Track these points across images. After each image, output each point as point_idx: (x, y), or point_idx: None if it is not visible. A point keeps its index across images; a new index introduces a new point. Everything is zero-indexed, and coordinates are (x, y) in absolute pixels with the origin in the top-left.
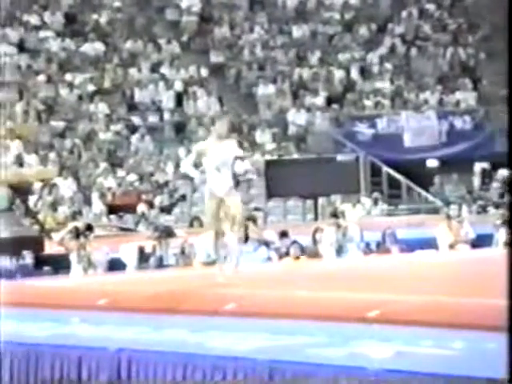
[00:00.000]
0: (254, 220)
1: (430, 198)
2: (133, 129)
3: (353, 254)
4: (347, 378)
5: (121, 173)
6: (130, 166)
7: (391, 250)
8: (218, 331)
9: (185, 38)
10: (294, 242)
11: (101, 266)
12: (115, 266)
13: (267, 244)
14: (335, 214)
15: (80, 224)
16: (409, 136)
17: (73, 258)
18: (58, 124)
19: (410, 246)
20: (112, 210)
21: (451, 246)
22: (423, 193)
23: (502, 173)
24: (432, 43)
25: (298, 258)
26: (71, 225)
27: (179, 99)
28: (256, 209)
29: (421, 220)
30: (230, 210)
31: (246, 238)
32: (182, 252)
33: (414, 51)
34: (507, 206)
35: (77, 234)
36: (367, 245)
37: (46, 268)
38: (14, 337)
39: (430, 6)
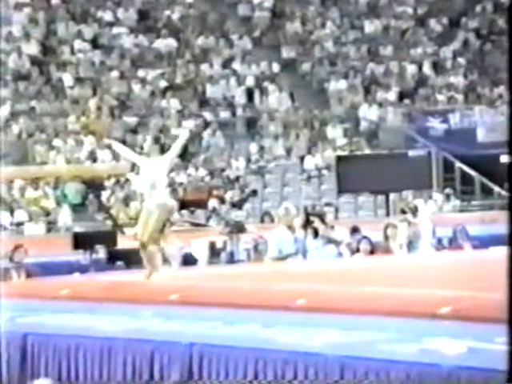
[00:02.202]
0: (320, 217)
1: (504, 193)
2: (204, 124)
3: (425, 250)
4: (419, 374)
5: (192, 168)
6: (202, 161)
7: (463, 246)
8: (289, 326)
9: (257, 34)
10: (364, 237)
11: (174, 261)
12: (187, 260)
13: (335, 241)
14: (405, 210)
15: None
16: (482, 131)
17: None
18: (131, 120)
19: (484, 242)
20: (183, 205)
21: None
22: (497, 188)
23: None
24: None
25: (370, 253)
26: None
27: (250, 95)
28: (327, 204)
29: (494, 216)
30: (152, 221)
31: (316, 234)
32: (255, 247)
33: (488, 45)
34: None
35: None
36: (439, 241)
37: (119, 263)
38: (88, 331)
39: (505, 0)
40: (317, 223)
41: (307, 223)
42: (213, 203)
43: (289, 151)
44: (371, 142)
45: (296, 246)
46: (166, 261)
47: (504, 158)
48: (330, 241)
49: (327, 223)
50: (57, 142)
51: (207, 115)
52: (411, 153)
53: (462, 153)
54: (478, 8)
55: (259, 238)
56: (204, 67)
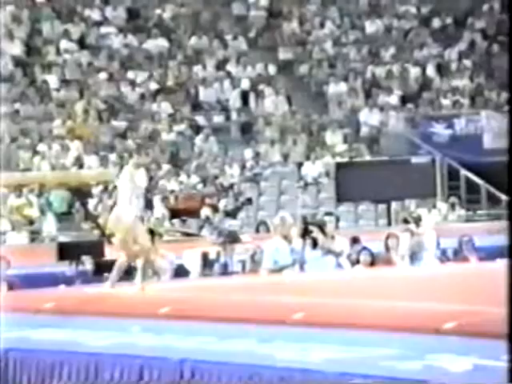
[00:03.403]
0: (320, 226)
1: None
2: (197, 129)
3: (428, 262)
4: None
5: (184, 175)
6: (194, 168)
7: (469, 258)
8: (285, 342)
9: (252, 34)
10: (364, 248)
11: (164, 274)
12: (178, 272)
13: (335, 253)
14: (408, 220)
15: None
16: (489, 137)
17: (138, 264)
18: (120, 124)
19: (490, 254)
20: (175, 214)
21: None
22: (504, 197)
23: None
24: None
25: (370, 265)
26: None
27: (246, 98)
28: (327, 213)
29: (502, 226)
30: (138, 239)
31: (315, 245)
32: (252, 257)
33: (495, 47)
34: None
35: None
36: (443, 252)
37: (107, 274)
38: (73, 346)
39: None
40: (316, 233)
41: (306, 233)
42: (206, 212)
43: (286, 157)
44: (372, 149)
45: (292, 257)
46: (155, 274)
47: None
48: (329, 252)
49: (327, 233)
50: (41, 147)
51: (200, 119)
52: (414, 160)
53: (468, 160)
54: (485, 7)
55: (257, 247)
56: (197, 69)
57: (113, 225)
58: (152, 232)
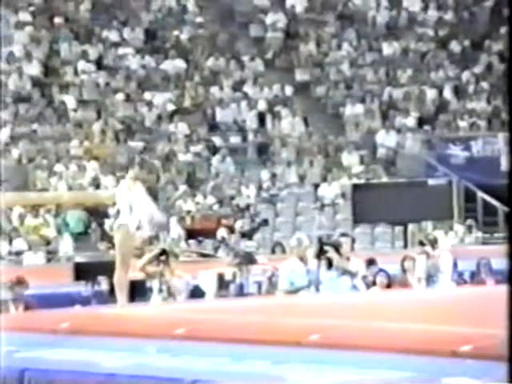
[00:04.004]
0: (335, 247)
1: None
2: (213, 150)
3: (444, 285)
4: None
5: (200, 196)
6: (210, 188)
7: (486, 281)
8: (301, 364)
9: (269, 56)
10: (381, 270)
11: (180, 294)
12: (194, 293)
13: (350, 273)
14: (423, 242)
15: (166, 248)
16: (506, 159)
17: (155, 285)
18: (137, 144)
19: (507, 277)
20: (191, 234)
21: None
22: None
23: None
24: None
25: (387, 287)
26: (158, 248)
27: (262, 119)
28: (343, 234)
29: None
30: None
31: (330, 265)
32: (270, 279)
33: None
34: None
35: (157, 259)
36: (460, 275)
37: None
38: (88, 366)
39: None
40: (331, 253)
41: (321, 253)
42: (222, 233)
43: (302, 179)
44: (389, 170)
45: (308, 279)
46: (171, 294)
47: None
48: (344, 272)
49: (342, 254)
50: (58, 168)
51: (216, 140)
52: (431, 181)
53: (485, 182)
54: (503, 30)
55: (274, 269)
56: (214, 90)
57: (117, 232)
58: (167, 253)
